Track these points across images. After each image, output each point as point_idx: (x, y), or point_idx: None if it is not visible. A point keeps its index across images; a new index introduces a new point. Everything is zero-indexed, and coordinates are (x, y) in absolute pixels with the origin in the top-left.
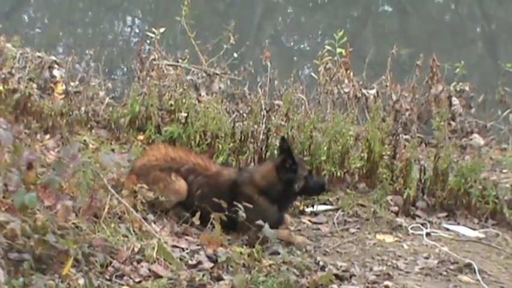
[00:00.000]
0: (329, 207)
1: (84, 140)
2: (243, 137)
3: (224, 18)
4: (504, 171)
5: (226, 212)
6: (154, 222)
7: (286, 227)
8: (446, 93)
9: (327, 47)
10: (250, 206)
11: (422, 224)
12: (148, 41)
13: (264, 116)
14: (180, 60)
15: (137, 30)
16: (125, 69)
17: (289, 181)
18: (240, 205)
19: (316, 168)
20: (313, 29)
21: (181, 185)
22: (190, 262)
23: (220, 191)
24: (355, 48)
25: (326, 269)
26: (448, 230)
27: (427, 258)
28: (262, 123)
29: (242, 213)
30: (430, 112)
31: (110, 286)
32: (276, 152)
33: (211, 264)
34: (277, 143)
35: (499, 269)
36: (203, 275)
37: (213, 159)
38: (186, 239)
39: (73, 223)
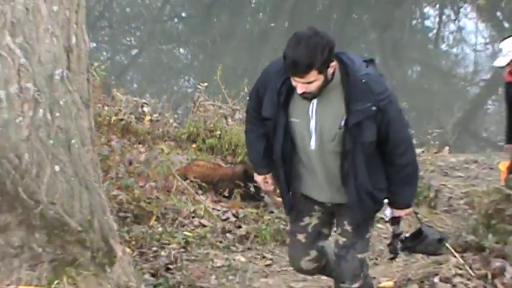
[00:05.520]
0: None
1: (161, 148)
2: None
3: (246, 73)
4: None
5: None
6: (202, 195)
7: None
8: None
9: None
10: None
11: None
12: (198, 90)
13: None
14: (215, 101)
15: (191, 83)
16: (184, 106)
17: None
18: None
19: None
20: None
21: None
22: (222, 217)
23: (238, 178)
24: None
25: None
26: None
27: None
28: None
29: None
30: None
31: (177, 231)
32: None
33: (235, 219)
34: None
35: None
36: (230, 225)
37: (234, 159)
38: (221, 204)
39: (155, 196)
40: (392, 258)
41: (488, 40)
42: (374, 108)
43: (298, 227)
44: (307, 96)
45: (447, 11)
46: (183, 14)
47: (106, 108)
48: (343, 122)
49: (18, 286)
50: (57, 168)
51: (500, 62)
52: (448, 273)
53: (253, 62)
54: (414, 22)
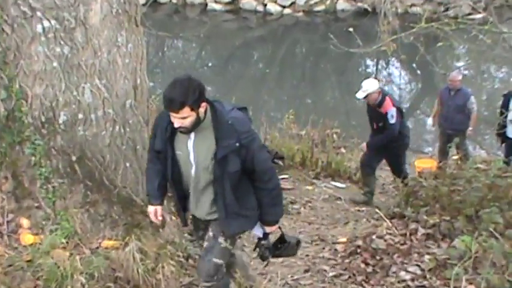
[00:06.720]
0: None
1: None
2: None
3: (251, 102)
4: None
5: None
6: None
7: None
8: None
9: None
10: None
11: None
12: None
13: None
14: None
15: None
16: None
17: None
18: None
19: None
20: None
21: None
22: None
23: None
24: None
25: None
26: None
27: None
28: None
29: None
30: None
31: None
32: None
33: None
34: None
35: None
36: None
37: None
38: None
39: None
40: (265, 264)
41: (407, 81)
42: (237, 144)
43: (196, 237)
44: (183, 131)
45: (381, 62)
46: (209, 64)
47: None
48: (213, 155)
49: (104, 240)
50: (127, 164)
51: (360, 95)
52: (381, 233)
53: (256, 94)
54: (360, 69)
